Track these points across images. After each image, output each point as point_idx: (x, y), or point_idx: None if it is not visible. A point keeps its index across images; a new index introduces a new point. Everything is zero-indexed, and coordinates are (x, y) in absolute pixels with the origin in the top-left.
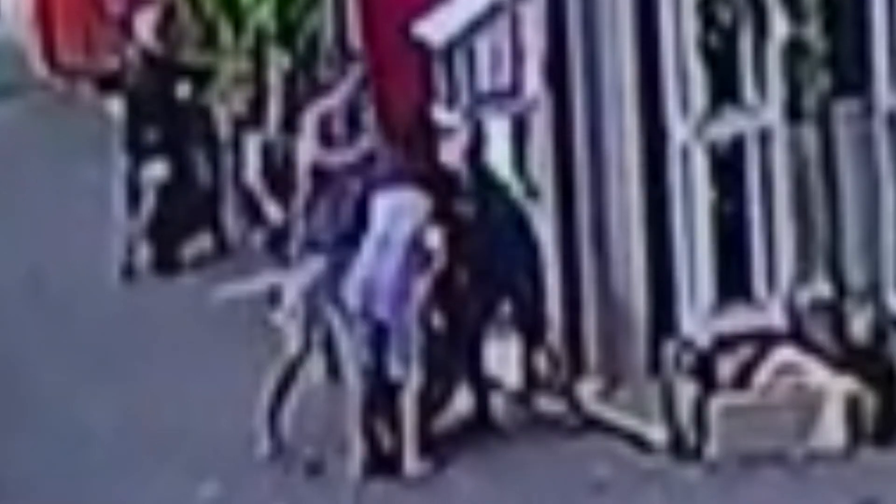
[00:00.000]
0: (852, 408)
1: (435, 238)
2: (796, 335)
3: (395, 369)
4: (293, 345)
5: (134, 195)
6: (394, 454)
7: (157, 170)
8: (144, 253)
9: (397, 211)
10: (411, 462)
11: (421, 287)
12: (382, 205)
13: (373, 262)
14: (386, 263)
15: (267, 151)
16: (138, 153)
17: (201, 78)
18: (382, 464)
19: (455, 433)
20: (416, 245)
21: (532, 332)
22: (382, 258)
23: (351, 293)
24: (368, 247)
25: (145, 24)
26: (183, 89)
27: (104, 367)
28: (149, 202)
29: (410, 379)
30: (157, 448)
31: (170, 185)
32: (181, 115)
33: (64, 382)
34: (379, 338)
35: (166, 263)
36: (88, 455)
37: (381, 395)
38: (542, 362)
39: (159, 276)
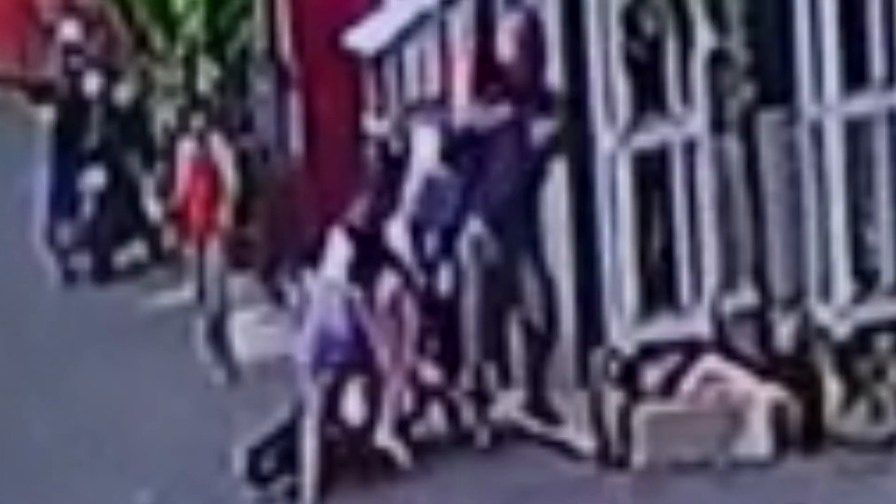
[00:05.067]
0: (777, 416)
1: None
2: (721, 343)
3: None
4: None
5: (70, 203)
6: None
7: (93, 178)
8: (81, 260)
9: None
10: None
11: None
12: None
13: (326, 309)
14: (339, 311)
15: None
16: (72, 161)
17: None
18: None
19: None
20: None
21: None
22: (335, 304)
23: (305, 343)
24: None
25: (70, 32)
26: (117, 97)
27: (37, 375)
28: (86, 210)
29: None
30: (92, 457)
31: (105, 192)
32: (115, 122)
33: None
34: (336, 382)
35: (102, 271)
36: (23, 463)
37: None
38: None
39: (95, 284)
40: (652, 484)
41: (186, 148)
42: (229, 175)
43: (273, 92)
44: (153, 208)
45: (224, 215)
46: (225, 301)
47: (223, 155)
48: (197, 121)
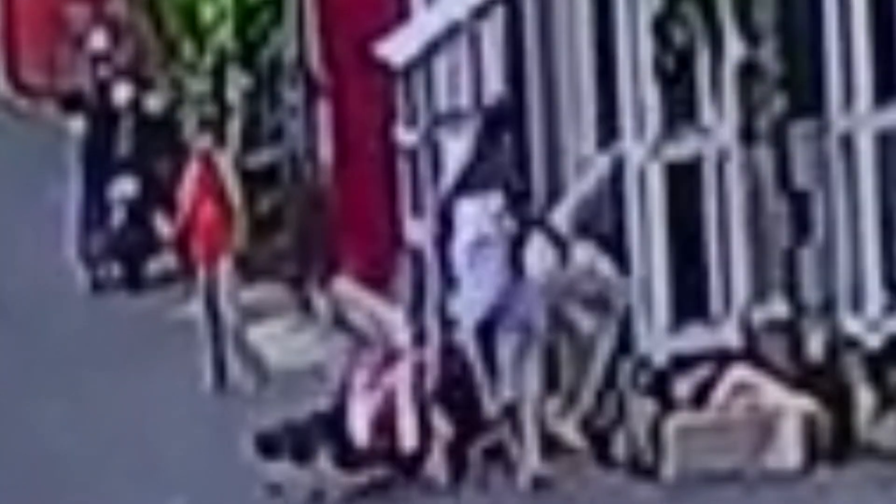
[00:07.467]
0: (808, 426)
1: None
2: (752, 354)
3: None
4: None
5: (100, 212)
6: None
7: (123, 187)
8: (112, 269)
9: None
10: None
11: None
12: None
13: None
14: (485, 268)
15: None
16: (103, 170)
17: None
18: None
19: None
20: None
21: None
22: (482, 263)
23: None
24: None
25: (99, 42)
26: (148, 105)
27: (67, 383)
28: (116, 219)
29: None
30: (123, 462)
31: (135, 202)
32: (145, 131)
33: (27, 400)
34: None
35: (132, 280)
36: (52, 469)
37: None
38: None
39: (126, 293)
40: (682, 494)
41: (193, 169)
42: (236, 197)
43: (303, 102)
44: (159, 225)
45: (237, 237)
46: (240, 316)
47: (230, 176)
48: (202, 142)
